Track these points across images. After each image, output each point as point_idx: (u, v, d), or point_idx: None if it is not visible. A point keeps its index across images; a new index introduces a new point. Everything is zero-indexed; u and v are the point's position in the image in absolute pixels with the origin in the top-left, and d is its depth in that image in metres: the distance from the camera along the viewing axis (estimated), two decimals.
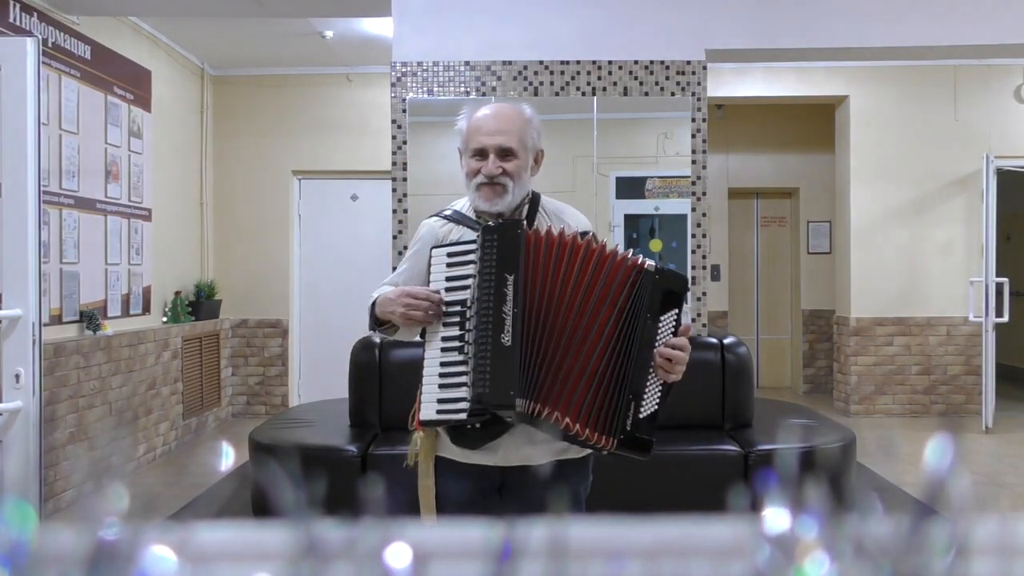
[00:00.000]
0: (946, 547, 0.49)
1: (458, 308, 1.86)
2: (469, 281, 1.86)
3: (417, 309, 1.87)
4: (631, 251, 1.90)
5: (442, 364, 1.86)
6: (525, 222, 1.92)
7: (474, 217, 2.03)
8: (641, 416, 1.84)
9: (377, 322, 2.01)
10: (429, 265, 1.93)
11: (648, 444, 1.85)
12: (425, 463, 1.98)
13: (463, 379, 1.83)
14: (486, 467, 1.96)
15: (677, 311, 1.88)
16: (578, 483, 2.04)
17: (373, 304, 2.01)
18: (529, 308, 1.82)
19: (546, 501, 1.91)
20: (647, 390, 1.85)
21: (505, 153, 1.96)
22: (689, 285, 1.98)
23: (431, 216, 2.13)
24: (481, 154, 1.97)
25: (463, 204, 2.08)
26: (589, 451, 2.01)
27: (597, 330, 1.84)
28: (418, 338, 1.99)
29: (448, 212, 2.09)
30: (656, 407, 1.86)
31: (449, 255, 1.90)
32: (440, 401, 1.86)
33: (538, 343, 1.83)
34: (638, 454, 1.86)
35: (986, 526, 0.53)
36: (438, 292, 1.88)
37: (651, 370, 1.85)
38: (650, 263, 1.89)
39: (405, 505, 2.01)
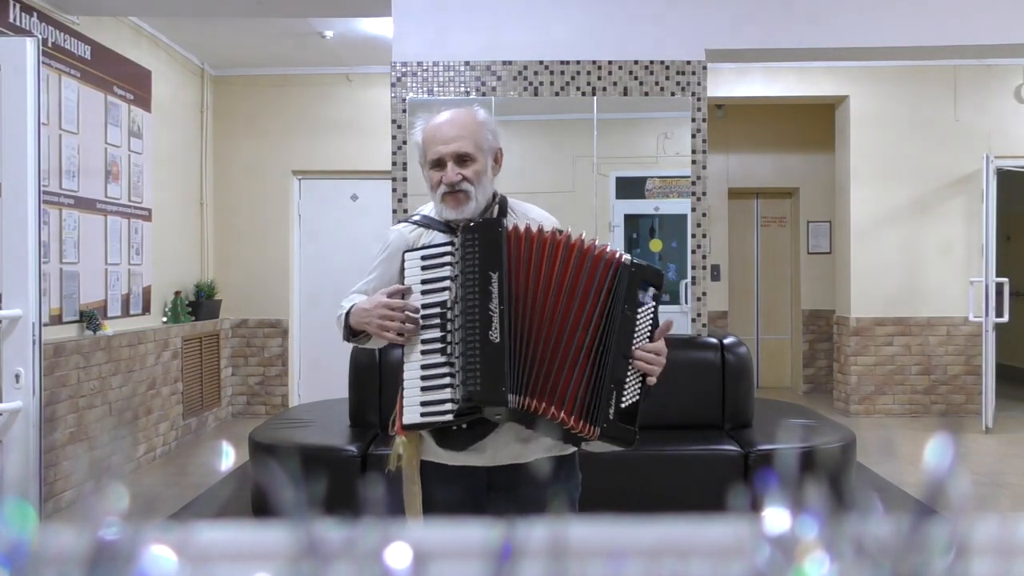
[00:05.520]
0: (946, 547, 0.49)
1: (437, 310, 1.86)
2: (446, 283, 1.85)
3: (393, 320, 1.85)
4: (607, 245, 1.92)
5: (423, 367, 1.85)
6: (505, 220, 1.92)
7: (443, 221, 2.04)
8: (623, 406, 1.84)
9: (352, 332, 1.99)
10: (401, 270, 1.92)
11: (631, 435, 1.86)
12: (410, 468, 1.97)
13: (446, 380, 1.83)
14: (474, 468, 1.95)
15: (654, 304, 1.89)
16: (568, 479, 2.03)
17: (347, 314, 1.98)
18: (515, 304, 1.83)
19: (536, 499, 1.90)
20: (628, 380, 1.85)
21: (462, 159, 1.95)
22: (664, 279, 1.98)
23: (400, 222, 2.14)
24: (439, 164, 1.96)
25: (431, 209, 2.07)
26: (575, 448, 2.01)
27: (582, 323, 1.86)
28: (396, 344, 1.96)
29: (417, 217, 2.09)
30: (637, 399, 1.86)
31: (423, 258, 1.89)
32: (424, 404, 1.84)
33: (525, 339, 1.83)
34: (621, 444, 1.86)
35: (986, 526, 0.53)
36: (412, 295, 1.88)
37: (630, 361, 1.85)
38: (626, 257, 1.90)
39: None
